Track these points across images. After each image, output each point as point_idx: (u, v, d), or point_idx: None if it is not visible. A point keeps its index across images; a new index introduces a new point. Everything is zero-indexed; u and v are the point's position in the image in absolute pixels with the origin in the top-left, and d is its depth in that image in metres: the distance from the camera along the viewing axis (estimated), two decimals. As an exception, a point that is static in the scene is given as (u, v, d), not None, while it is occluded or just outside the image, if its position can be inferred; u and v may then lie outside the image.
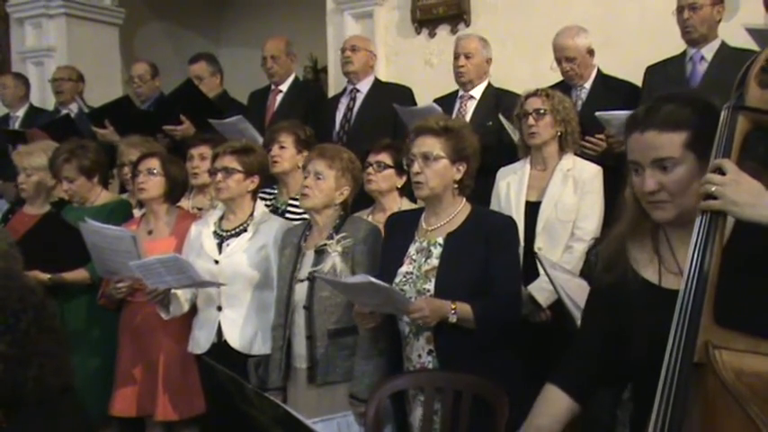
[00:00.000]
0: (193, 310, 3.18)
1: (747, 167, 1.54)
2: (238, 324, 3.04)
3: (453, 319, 2.41)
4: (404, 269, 2.56)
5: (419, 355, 2.54)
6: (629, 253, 1.72)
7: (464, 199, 2.61)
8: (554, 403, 1.81)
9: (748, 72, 1.60)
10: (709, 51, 3.59)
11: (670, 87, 3.44)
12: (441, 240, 2.53)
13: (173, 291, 3.06)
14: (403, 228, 2.65)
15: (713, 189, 1.50)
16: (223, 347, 3.02)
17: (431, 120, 2.58)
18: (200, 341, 3.10)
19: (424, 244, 2.56)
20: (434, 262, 2.52)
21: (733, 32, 3.58)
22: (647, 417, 1.53)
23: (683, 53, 3.67)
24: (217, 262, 3.07)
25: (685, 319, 1.49)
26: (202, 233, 3.15)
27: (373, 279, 2.35)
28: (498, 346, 2.48)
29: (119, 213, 3.60)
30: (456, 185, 2.56)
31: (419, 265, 2.54)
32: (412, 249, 2.58)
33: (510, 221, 2.69)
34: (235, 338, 3.04)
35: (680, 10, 3.60)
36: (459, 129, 2.56)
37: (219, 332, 3.06)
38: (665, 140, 1.59)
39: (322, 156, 2.86)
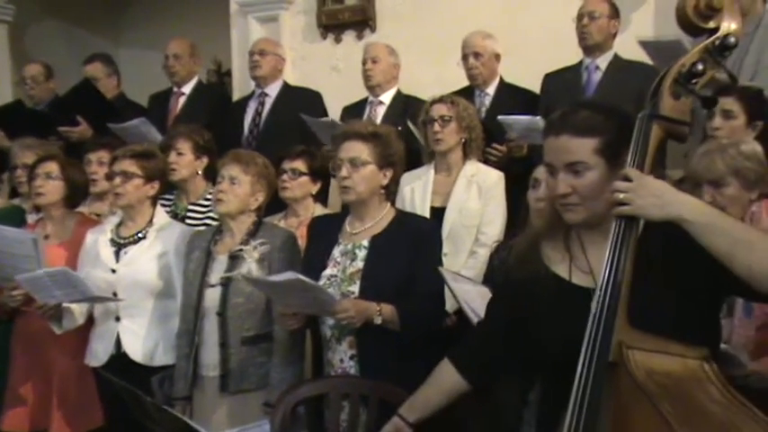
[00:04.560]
0: (91, 319, 3.06)
1: (659, 175, 1.62)
2: (138, 335, 2.96)
3: (378, 320, 2.42)
4: (328, 272, 2.55)
5: (341, 360, 2.54)
6: (542, 250, 1.78)
7: (389, 204, 2.63)
8: (444, 377, 1.95)
9: (662, 82, 1.67)
10: (603, 61, 3.79)
11: (566, 94, 3.61)
12: (366, 243, 2.54)
13: (65, 304, 2.94)
14: (326, 231, 2.65)
15: (621, 196, 1.56)
16: (122, 359, 2.93)
17: (358, 125, 2.59)
18: (98, 353, 2.99)
19: (349, 246, 2.56)
20: (359, 264, 2.52)
21: (625, 45, 3.77)
22: (557, 416, 1.58)
23: (580, 62, 3.85)
24: (114, 271, 2.97)
25: (601, 319, 1.54)
26: (98, 241, 3.04)
27: (302, 276, 2.34)
28: (420, 352, 2.49)
29: (11, 220, 3.42)
30: (383, 191, 2.58)
31: (344, 268, 2.54)
32: (336, 252, 2.58)
33: (434, 225, 2.74)
34: (135, 350, 2.95)
35: (580, 17, 3.79)
36: (386, 135, 2.57)
37: (118, 343, 2.96)
38: (577, 145, 1.66)
39: (237, 161, 2.83)
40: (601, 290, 1.56)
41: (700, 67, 1.66)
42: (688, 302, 1.59)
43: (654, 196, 1.55)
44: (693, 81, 1.67)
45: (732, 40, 1.68)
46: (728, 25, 1.69)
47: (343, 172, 2.52)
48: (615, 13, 3.80)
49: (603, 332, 1.53)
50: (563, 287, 1.72)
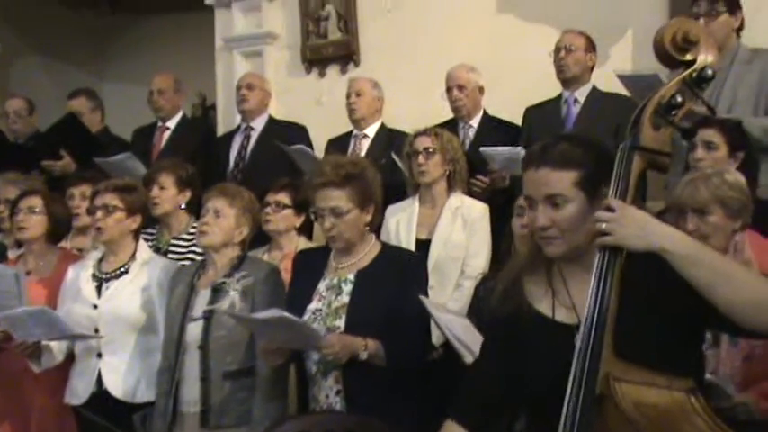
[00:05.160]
0: (72, 356, 3.02)
1: (640, 206, 1.63)
2: (120, 371, 2.92)
3: (364, 355, 2.40)
4: (313, 306, 2.53)
5: (326, 396, 2.50)
6: (524, 286, 1.77)
7: (373, 236, 2.63)
8: None
9: (642, 114, 1.69)
10: (582, 94, 3.85)
11: (547, 127, 3.65)
12: (351, 277, 2.52)
13: (44, 341, 2.91)
14: (312, 265, 2.63)
15: (603, 226, 1.57)
16: (103, 396, 2.89)
17: (329, 169, 2.50)
18: (79, 391, 2.95)
19: (335, 281, 2.54)
20: (345, 299, 2.50)
21: (604, 78, 3.82)
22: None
23: (559, 96, 3.90)
24: (96, 307, 2.94)
25: (587, 351, 1.54)
26: (80, 276, 3.02)
27: (286, 313, 2.32)
28: (407, 387, 2.48)
29: (-8, 255, 3.42)
30: (367, 227, 2.57)
31: (329, 302, 2.52)
32: (321, 286, 2.56)
33: (420, 259, 2.74)
34: (116, 386, 2.91)
35: (557, 51, 3.86)
36: (360, 172, 2.53)
37: (99, 380, 2.92)
38: (556, 178, 1.67)
39: (223, 194, 2.83)
40: (586, 321, 1.56)
41: (678, 98, 1.69)
42: (672, 334, 1.59)
43: (636, 227, 1.55)
44: (673, 112, 1.69)
45: (709, 72, 1.71)
46: (705, 57, 1.72)
47: (327, 224, 2.49)
48: (591, 47, 3.87)
49: (590, 364, 1.53)
50: (546, 325, 1.71)
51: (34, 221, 3.22)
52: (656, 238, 1.54)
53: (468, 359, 2.69)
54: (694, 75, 1.71)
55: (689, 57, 1.73)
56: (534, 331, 1.71)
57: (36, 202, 3.24)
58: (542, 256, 1.74)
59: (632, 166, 1.64)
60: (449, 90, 4.01)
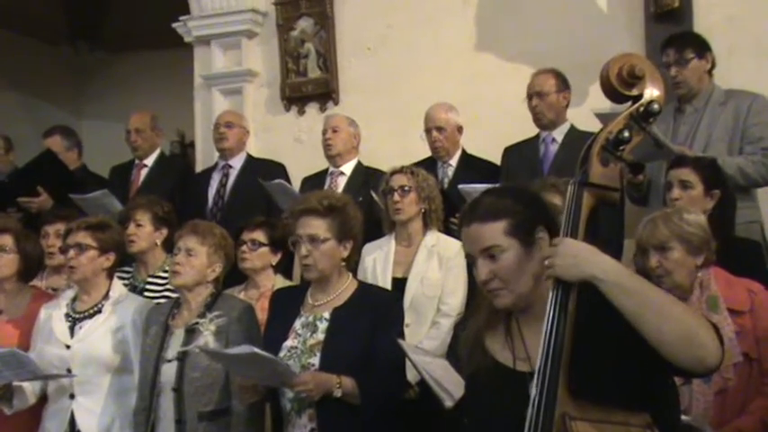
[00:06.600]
0: (44, 398, 2.97)
1: (593, 241, 1.62)
2: (93, 412, 2.88)
3: (338, 393, 2.40)
4: (288, 343, 2.53)
5: None
6: (486, 342, 1.78)
7: (350, 274, 2.63)
8: None
9: (590, 150, 1.71)
10: (559, 134, 3.85)
11: (525, 167, 3.65)
12: (327, 315, 2.53)
13: (16, 383, 2.86)
14: (288, 303, 2.63)
15: (546, 261, 1.59)
16: (76, 438, 2.83)
17: (313, 199, 2.56)
18: (51, 432, 2.89)
19: (310, 318, 2.55)
20: (320, 336, 2.50)
21: (582, 117, 3.82)
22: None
23: (537, 135, 3.91)
24: (68, 347, 2.90)
25: (543, 391, 1.53)
26: (52, 316, 2.98)
27: (257, 350, 2.31)
28: (382, 425, 2.47)
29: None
30: (343, 263, 2.57)
31: (304, 340, 2.52)
32: (297, 324, 2.56)
33: (396, 297, 2.76)
34: (89, 428, 2.87)
35: (529, 98, 3.85)
36: (343, 206, 2.56)
37: (72, 422, 2.88)
38: (487, 230, 1.70)
39: (194, 232, 2.82)
40: (541, 360, 1.56)
41: (626, 134, 1.71)
42: (624, 370, 1.58)
43: (571, 257, 1.57)
44: (621, 148, 1.71)
45: (656, 106, 1.72)
46: (651, 92, 1.74)
47: (303, 250, 2.51)
48: (564, 85, 3.85)
49: (546, 404, 1.52)
50: (508, 374, 1.71)
51: (5, 261, 3.18)
52: (587, 267, 1.55)
53: (449, 403, 2.66)
54: (641, 109, 1.73)
55: (635, 92, 1.75)
56: (497, 382, 1.71)
57: (7, 240, 3.20)
58: (499, 312, 1.75)
59: (582, 202, 1.66)
60: (427, 131, 4.01)
